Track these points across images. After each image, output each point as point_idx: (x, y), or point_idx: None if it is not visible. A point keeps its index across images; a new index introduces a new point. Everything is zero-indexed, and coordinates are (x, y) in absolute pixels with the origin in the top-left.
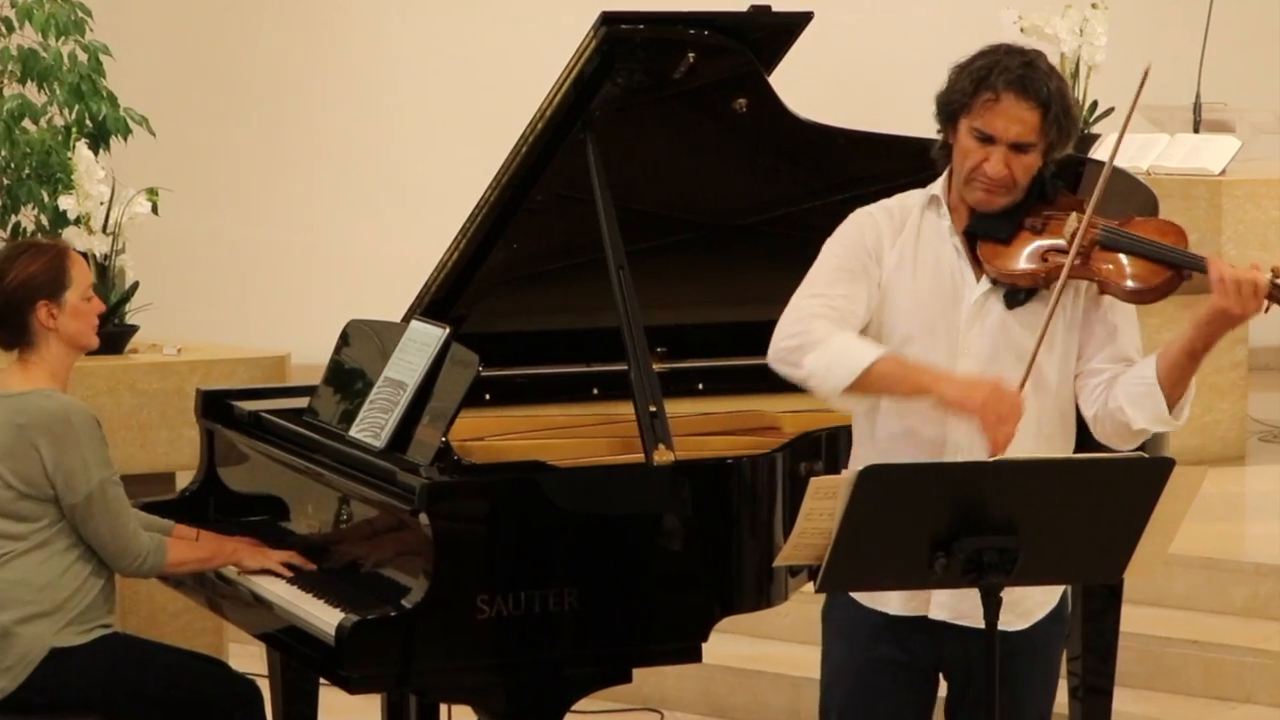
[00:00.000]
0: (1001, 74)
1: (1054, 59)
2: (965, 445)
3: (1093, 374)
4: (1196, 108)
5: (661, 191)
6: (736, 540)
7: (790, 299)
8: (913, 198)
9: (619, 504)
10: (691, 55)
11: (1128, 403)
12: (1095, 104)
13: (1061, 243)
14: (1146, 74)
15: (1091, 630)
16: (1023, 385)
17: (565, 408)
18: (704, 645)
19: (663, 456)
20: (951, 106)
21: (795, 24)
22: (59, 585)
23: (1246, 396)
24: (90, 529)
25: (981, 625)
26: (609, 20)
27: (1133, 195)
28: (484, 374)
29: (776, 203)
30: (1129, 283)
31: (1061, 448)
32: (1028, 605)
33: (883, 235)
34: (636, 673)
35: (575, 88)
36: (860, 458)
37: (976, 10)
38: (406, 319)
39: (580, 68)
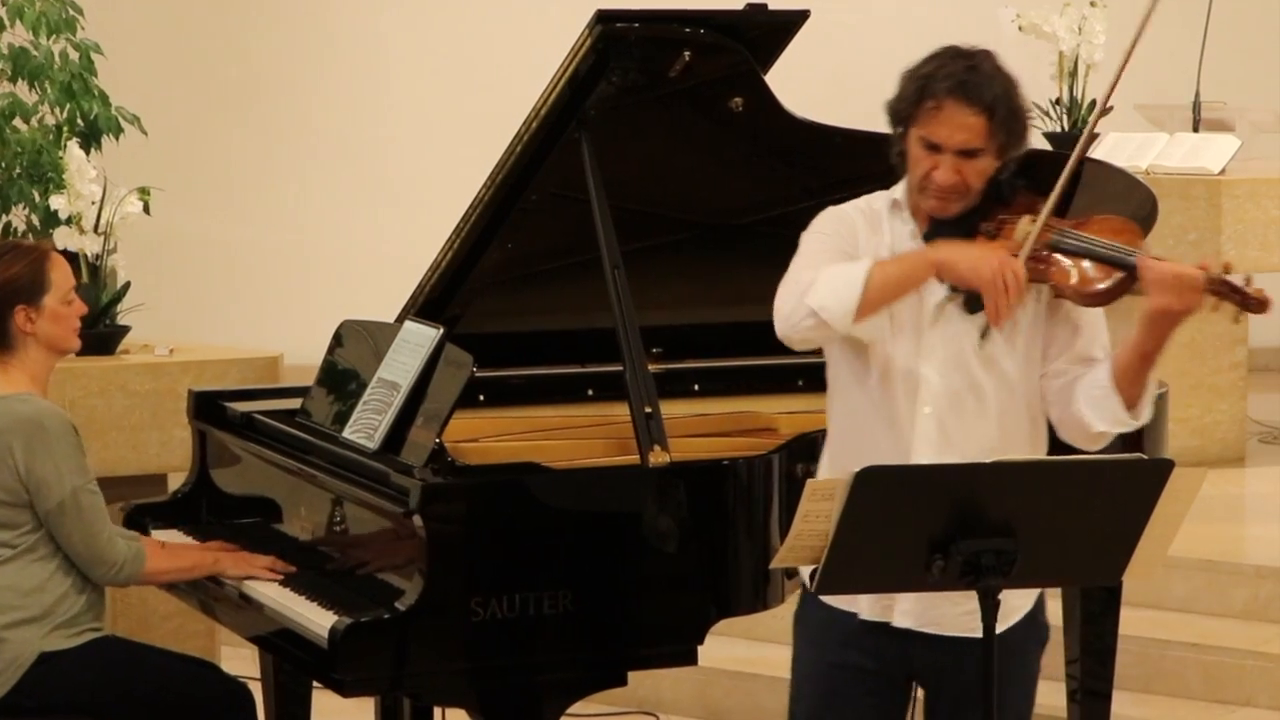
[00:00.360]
0: (944, 81)
1: (1052, 57)
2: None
3: (1056, 375)
4: (1196, 106)
5: (657, 191)
6: (732, 542)
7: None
8: (878, 200)
9: (614, 506)
10: (687, 54)
11: (1086, 407)
12: (1094, 103)
13: (1016, 249)
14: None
15: (1090, 633)
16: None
17: (560, 409)
18: (700, 648)
19: (658, 458)
20: (899, 115)
21: (791, 22)
22: (46, 590)
23: (1246, 397)
24: (63, 536)
25: (948, 633)
26: (604, 19)
27: (1132, 195)
28: (478, 375)
29: (773, 202)
30: (1081, 285)
31: (1032, 447)
32: (1003, 609)
33: (858, 231)
34: (632, 676)
35: (570, 86)
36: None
37: (974, 8)
38: (400, 319)
39: (575, 66)
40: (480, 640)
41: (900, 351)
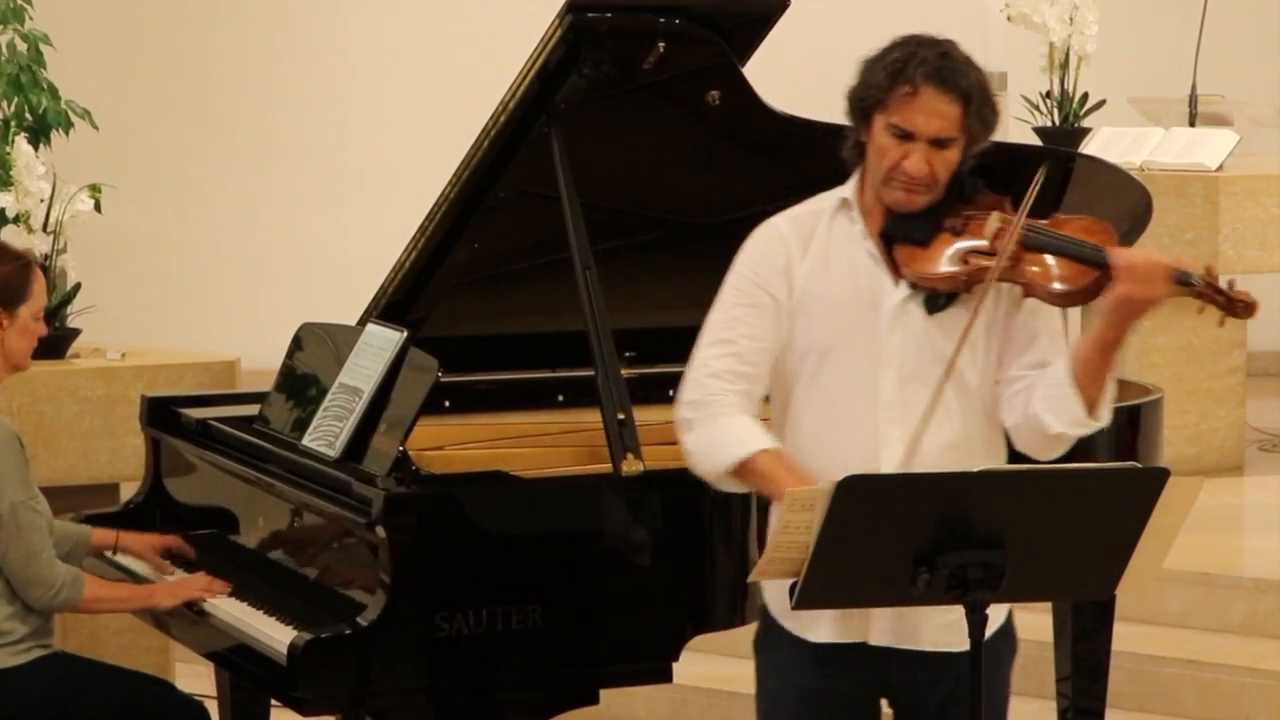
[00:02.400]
0: (919, 66)
1: (1042, 49)
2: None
3: (1011, 382)
4: (1192, 100)
5: (630, 188)
6: (709, 555)
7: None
8: (825, 200)
9: (585, 517)
10: (661, 45)
11: (1043, 407)
12: (1086, 96)
13: (983, 243)
14: (1040, 176)
15: (1082, 649)
16: (933, 404)
17: (529, 415)
18: (675, 665)
19: (631, 466)
20: (865, 103)
21: (770, 12)
22: None
23: (1245, 404)
24: (0, 553)
25: (926, 648)
26: (574, 8)
27: (1125, 192)
28: (443, 379)
29: (751, 200)
30: (1054, 284)
31: (991, 456)
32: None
33: (791, 251)
34: (604, 694)
35: (539, 79)
36: None
37: None
38: (362, 322)
39: (545, 58)
40: (446, 657)
41: (857, 358)
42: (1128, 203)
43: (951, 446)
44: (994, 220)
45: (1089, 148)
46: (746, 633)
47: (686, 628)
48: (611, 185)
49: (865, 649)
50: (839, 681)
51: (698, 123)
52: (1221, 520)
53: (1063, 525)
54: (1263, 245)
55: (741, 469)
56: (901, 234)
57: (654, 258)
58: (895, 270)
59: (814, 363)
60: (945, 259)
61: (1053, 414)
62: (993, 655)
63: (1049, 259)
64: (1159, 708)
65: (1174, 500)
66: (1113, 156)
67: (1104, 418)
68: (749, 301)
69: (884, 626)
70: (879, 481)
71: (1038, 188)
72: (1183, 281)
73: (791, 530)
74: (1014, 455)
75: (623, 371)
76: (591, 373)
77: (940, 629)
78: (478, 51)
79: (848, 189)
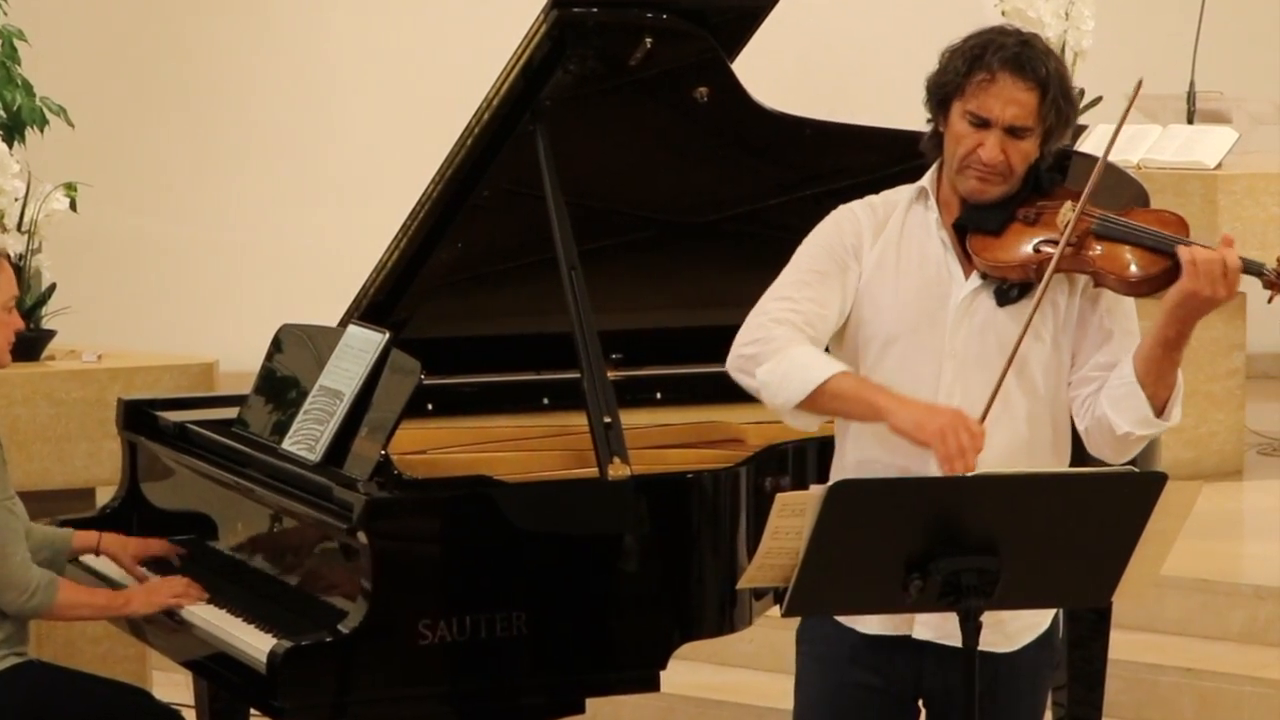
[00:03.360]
0: (997, 52)
1: None
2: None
3: (1084, 383)
4: (1191, 97)
5: (617, 187)
6: (697, 561)
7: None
8: (901, 193)
9: (571, 522)
10: (649, 41)
11: (1110, 407)
12: (1082, 92)
13: (1056, 235)
14: (1139, 87)
15: (1078, 657)
16: (996, 391)
17: (514, 418)
18: (663, 673)
19: (618, 471)
20: (943, 90)
21: (760, 7)
22: None
23: (1244, 407)
24: None
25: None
26: (560, 3)
27: (1123, 190)
28: (426, 382)
29: (740, 199)
30: (1124, 271)
31: (1052, 460)
32: (1016, 626)
33: (863, 232)
34: (591, 703)
35: (524, 76)
36: None
37: None
38: (343, 323)
39: (529, 54)
40: (429, 665)
41: (921, 350)
42: (1124, 202)
43: (1012, 450)
44: (1067, 210)
45: (1085, 145)
46: (736, 640)
47: (674, 635)
48: (597, 184)
49: (908, 642)
50: (875, 678)
51: (686, 120)
52: (1220, 525)
53: (1059, 530)
54: (1263, 245)
55: (820, 393)
56: (974, 223)
57: (641, 258)
58: (967, 263)
59: (876, 351)
60: (1016, 248)
61: (1119, 414)
62: (1030, 667)
63: (1119, 247)
64: (1157, 717)
65: (1172, 505)
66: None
67: (1174, 417)
68: (820, 267)
69: (926, 619)
70: (870, 486)
71: (1099, 174)
72: (1253, 272)
73: (781, 536)
74: (1082, 461)
75: (609, 374)
76: (577, 375)
77: (983, 628)
78: (461, 48)
79: (926, 179)
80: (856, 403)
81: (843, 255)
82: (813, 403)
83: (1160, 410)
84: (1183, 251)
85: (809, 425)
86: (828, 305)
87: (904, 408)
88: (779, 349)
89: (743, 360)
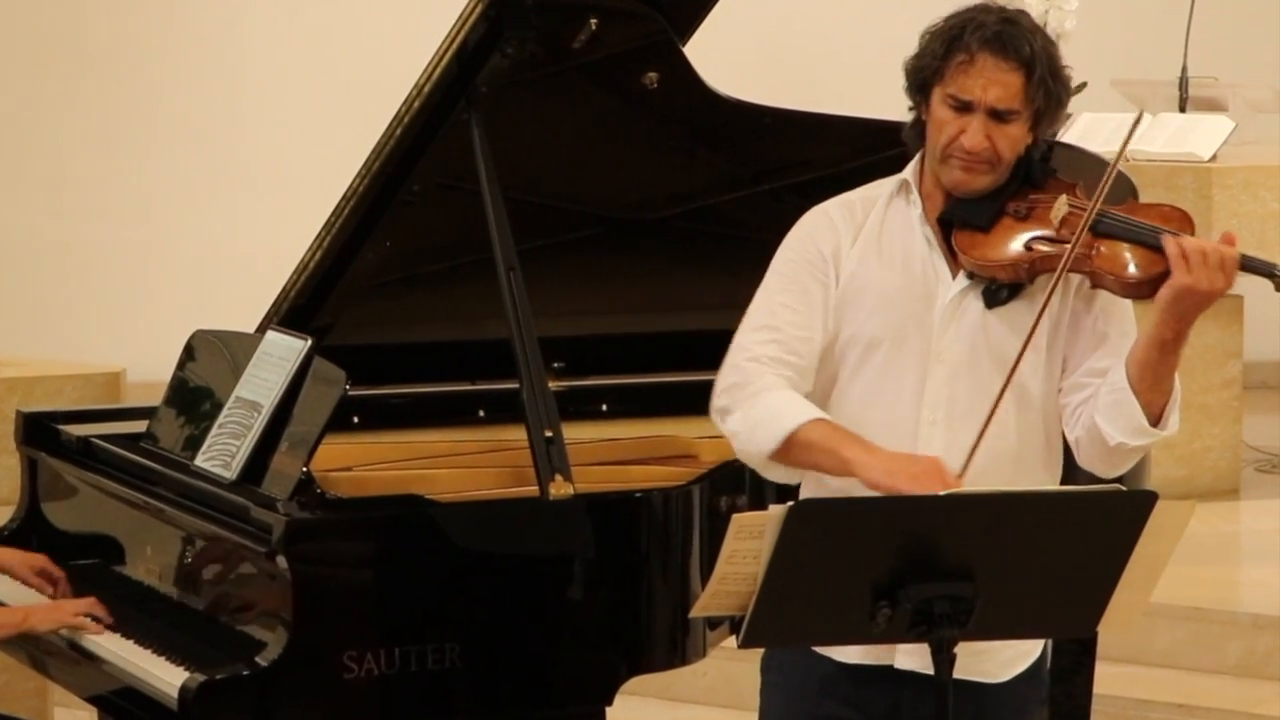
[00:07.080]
0: (976, 31)
1: None
2: None
3: (1075, 389)
4: (1183, 83)
5: (559, 181)
6: (646, 587)
7: (739, 318)
8: (881, 187)
9: (509, 545)
10: (593, 21)
11: (1102, 415)
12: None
13: (1049, 231)
14: (1139, 120)
15: (1060, 693)
16: (1000, 398)
17: (447, 432)
18: (609, 710)
19: (560, 489)
20: (922, 75)
21: None
22: None
23: (1241, 420)
24: None
25: (955, 676)
26: None
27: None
28: (352, 393)
29: (693, 194)
30: (1122, 272)
31: (1043, 475)
32: (1008, 654)
33: (840, 236)
34: None
35: (458, 60)
36: None
37: None
38: (261, 329)
39: (464, 36)
40: (354, 700)
41: (905, 354)
42: (1110, 197)
43: (999, 463)
44: (1061, 205)
45: (1068, 135)
46: (689, 673)
47: (621, 668)
48: (538, 177)
49: (889, 672)
50: (850, 711)
51: (634, 108)
52: (1215, 549)
53: (1039, 555)
54: (1260, 242)
55: (791, 443)
56: (961, 218)
57: (585, 258)
58: (953, 260)
59: (857, 356)
60: (1006, 245)
61: (1111, 423)
62: (1017, 702)
63: (1119, 245)
64: None
65: (1163, 527)
66: (1094, 145)
67: (1171, 426)
68: (795, 288)
69: (911, 649)
70: (834, 505)
71: (1114, 173)
72: (1262, 273)
73: (737, 560)
74: (1072, 474)
75: (550, 384)
76: (516, 385)
77: (971, 657)
78: (390, 29)
79: (908, 171)
80: (824, 454)
81: (822, 267)
82: (786, 454)
83: (1156, 419)
84: (1169, 243)
85: (789, 478)
86: (811, 327)
87: (873, 457)
88: (754, 394)
89: (716, 411)
